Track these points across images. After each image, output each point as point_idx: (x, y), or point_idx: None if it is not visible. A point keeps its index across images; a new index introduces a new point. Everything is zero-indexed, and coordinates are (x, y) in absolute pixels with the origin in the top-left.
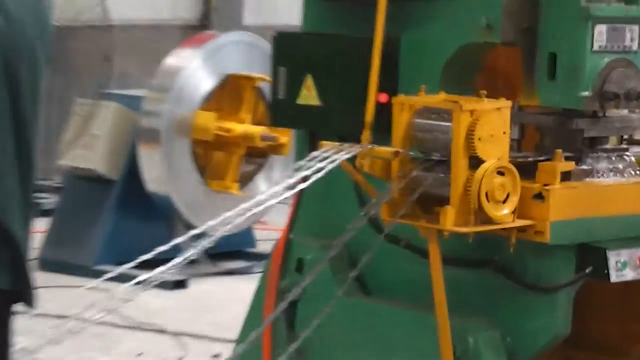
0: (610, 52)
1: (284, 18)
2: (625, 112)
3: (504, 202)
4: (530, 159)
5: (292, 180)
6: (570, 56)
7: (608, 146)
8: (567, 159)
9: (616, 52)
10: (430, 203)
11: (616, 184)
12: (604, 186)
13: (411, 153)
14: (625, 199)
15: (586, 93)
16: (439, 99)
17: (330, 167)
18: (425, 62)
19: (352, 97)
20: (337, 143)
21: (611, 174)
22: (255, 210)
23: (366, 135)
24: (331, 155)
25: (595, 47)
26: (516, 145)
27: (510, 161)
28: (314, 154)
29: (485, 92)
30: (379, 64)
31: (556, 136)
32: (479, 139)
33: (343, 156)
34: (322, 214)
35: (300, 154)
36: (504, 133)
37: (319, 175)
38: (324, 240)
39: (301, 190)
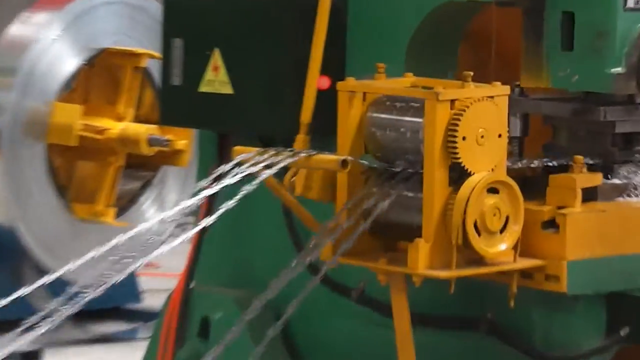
0: None
1: None
2: None
3: (501, 232)
4: (537, 168)
5: (192, 204)
6: (593, 17)
7: None
8: (590, 167)
9: None
10: (394, 235)
11: None
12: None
13: (365, 162)
14: None
15: (617, 70)
16: (405, 83)
17: (248, 185)
18: (385, 30)
19: (279, 82)
20: (257, 149)
21: None
22: (140, 248)
23: (301, 138)
24: (249, 168)
25: (630, 3)
26: (517, 147)
27: (509, 172)
28: (225, 166)
29: (471, 73)
30: (324, 34)
31: (574, 133)
32: (464, 140)
33: (266, 169)
34: (236, 253)
35: (205, 165)
36: (500, 132)
37: (232, 200)
38: (239, 292)
39: (206, 215)
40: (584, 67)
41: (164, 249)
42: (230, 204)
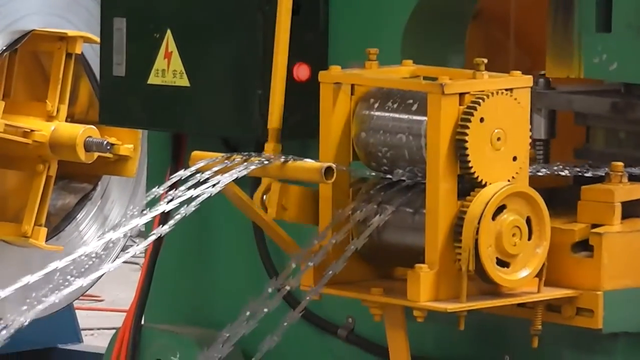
0: None
1: None
2: None
3: (522, 257)
4: (567, 177)
5: (142, 222)
6: None
7: None
8: (632, 177)
9: None
10: (391, 260)
11: None
12: None
13: (354, 171)
14: None
15: None
16: (403, 73)
17: (205, 195)
18: (377, 6)
19: (245, 72)
20: (221, 154)
21: None
22: (78, 276)
23: (273, 140)
24: (210, 177)
25: None
26: (542, 151)
27: (532, 183)
28: (180, 174)
29: (484, 59)
30: (290, 9)
31: (613, 134)
32: (476, 143)
33: (229, 178)
34: (195, 283)
35: (156, 175)
36: (521, 134)
37: (187, 210)
38: (199, 330)
39: (158, 242)
40: (625, 53)
41: (108, 267)
42: (186, 211)
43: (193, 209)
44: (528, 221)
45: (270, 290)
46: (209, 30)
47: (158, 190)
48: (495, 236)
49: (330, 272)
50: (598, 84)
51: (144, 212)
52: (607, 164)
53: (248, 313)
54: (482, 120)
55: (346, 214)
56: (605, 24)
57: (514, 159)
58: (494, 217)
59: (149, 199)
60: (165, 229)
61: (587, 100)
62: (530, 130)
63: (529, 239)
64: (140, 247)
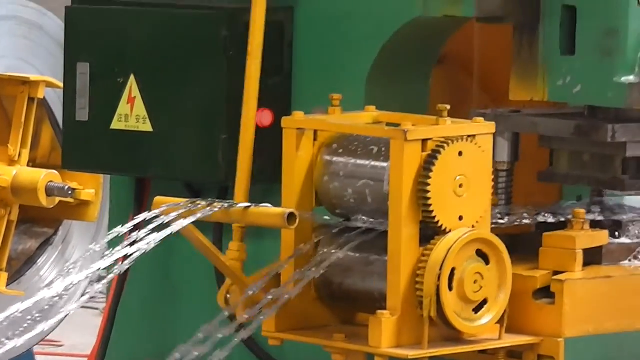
0: None
1: None
2: None
3: (484, 303)
4: (528, 222)
5: (104, 266)
6: (601, 12)
7: None
8: (594, 224)
9: None
10: (353, 305)
11: None
12: None
13: (319, 216)
14: None
15: (629, 78)
16: (366, 118)
17: (165, 234)
18: (341, 52)
19: (209, 117)
20: (184, 200)
21: None
22: (39, 322)
23: (243, 186)
24: (173, 221)
25: None
26: (505, 180)
27: (494, 229)
28: (144, 215)
29: (447, 106)
30: (260, 55)
31: (576, 157)
32: (438, 189)
33: (190, 220)
34: (158, 327)
35: (119, 220)
36: (483, 180)
37: (147, 247)
38: None
39: (120, 286)
40: (589, 75)
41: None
42: (147, 248)
43: (152, 246)
44: (490, 267)
45: (229, 335)
46: (172, 75)
47: (121, 230)
48: (457, 282)
49: (270, 297)
50: (562, 107)
51: (106, 254)
52: (569, 211)
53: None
54: (444, 166)
55: (310, 258)
56: (570, 47)
57: (476, 205)
58: (456, 264)
59: (110, 238)
60: (125, 264)
61: (551, 122)
62: (494, 156)
63: (491, 285)
64: (99, 285)
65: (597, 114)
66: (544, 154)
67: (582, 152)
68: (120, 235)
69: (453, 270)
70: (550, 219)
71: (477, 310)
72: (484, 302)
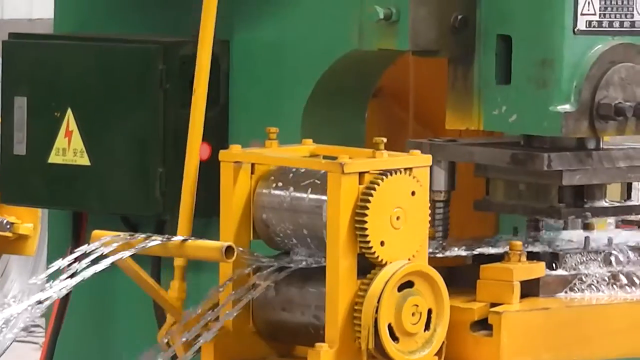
0: (607, 32)
1: (36, 8)
2: (635, 141)
3: (421, 335)
4: (465, 254)
5: (44, 296)
6: (536, 42)
7: (606, 203)
8: (531, 256)
9: (618, 33)
10: (291, 338)
11: (617, 304)
12: (595, 308)
13: (255, 254)
14: (629, 326)
15: (565, 107)
16: (303, 151)
17: (102, 266)
18: (277, 85)
19: (146, 149)
20: (121, 234)
21: (605, 283)
22: None
23: (185, 220)
24: (111, 254)
25: (581, 25)
26: (442, 211)
27: (431, 261)
28: (83, 248)
29: (383, 139)
30: (205, 90)
31: (512, 186)
32: (375, 223)
33: (128, 253)
34: (97, 357)
35: (57, 253)
36: (420, 213)
37: (80, 277)
38: None
39: (59, 321)
40: (524, 105)
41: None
42: (83, 276)
43: (91, 274)
44: (427, 299)
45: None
46: (109, 108)
47: (62, 263)
48: (395, 315)
49: (201, 340)
50: (499, 136)
51: (46, 286)
52: (505, 243)
53: None
54: (381, 199)
55: (245, 292)
56: (505, 77)
57: (414, 237)
58: (393, 296)
59: (50, 271)
60: (63, 291)
61: (487, 151)
62: (431, 187)
63: (428, 318)
64: (39, 310)
65: (532, 143)
66: (479, 183)
67: (518, 181)
68: (60, 268)
69: (390, 302)
70: (488, 251)
71: (415, 342)
72: (422, 334)
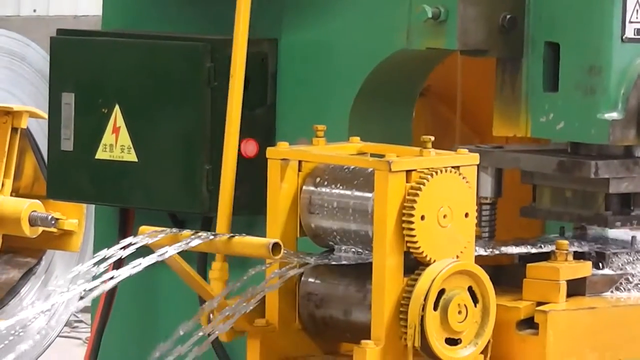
0: None
1: (81, 5)
2: None
3: (467, 334)
4: (513, 253)
5: (89, 286)
6: (584, 49)
7: None
8: (577, 256)
9: None
10: (337, 335)
11: None
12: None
13: (301, 254)
14: None
15: (613, 115)
16: (350, 149)
17: (149, 262)
18: (325, 83)
19: (192, 148)
20: (167, 229)
21: None
22: (22, 349)
23: (225, 217)
24: (158, 251)
25: (629, 33)
26: (489, 213)
27: (477, 260)
28: (129, 240)
29: (431, 137)
30: (241, 88)
31: (559, 193)
32: (422, 220)
33: (175, 250)
34: (145, 357)
35: (103, 249)
36: (467, 211)
37: (129, 272)
38: None
39: (105, 315)
40: (572, 112)
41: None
42: (130, 272)
43: (138, 270)
44: (474, 298)
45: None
46: (157, 105)
47: (107, 252)
48: (441, 313)
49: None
50: (545, 143)
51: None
52: (552, 242)
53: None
54: (428, 197)
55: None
56: (553, 84)
57: (460, 236)
58: (440, 295)
59: (95, 260)
60: (109, 284)
61: (534, 159)
62: (478, 193)
63: (474, 317)
64: (87, 299)
65: (579, 150)
66: (526, 190)
67: (565, 188)
68: (106, 257)
69: (438, 300)
70: (534, 250)
71: (462, 339)
72: (469, 332)
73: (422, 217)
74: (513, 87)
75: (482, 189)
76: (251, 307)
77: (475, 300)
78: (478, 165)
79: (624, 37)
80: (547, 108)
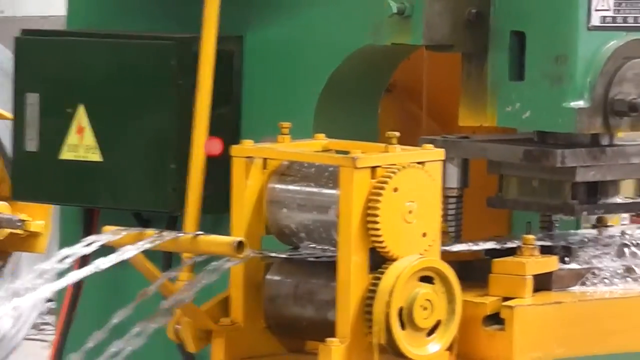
0: (621, 28)
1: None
2: None
3: (433, 330)
4: (478, 249)
5: (54, 287)
6: (550, 37)
7: (619, 199)
8: (544, 250)
9: (633, 29)
10: (301, 333)
11: (631, 298)
12: (608, 302)
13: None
14: None
15: (579, 103)
16: (315, 146)
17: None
18: (290, 80)
19: (157, 147)
20: (132, 229)
21: (619, 277)
22: None
23: (193, 216)
24: (120, 244)
25: (596, 21)
26: (455, 207)
27: (444, 256)
28: (92, 238)
29: (396, 133)
30: (210, 86)
31: (526, 183)
32: (387, 217)
33: (139, 249)
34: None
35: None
36: (433, 207)
37: (87, 271)
38: None
39: (69, 317)
40: (538, 101)
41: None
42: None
43: (104, 267)
44: (440, 294)
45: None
46: (122, 105)
47: (70, 251)
48: (406, 309)
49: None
50: (512, 132)
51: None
52: (518, 237)
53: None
54: (394, 193)
55: (256, 288)
56: (519, 73)
57: (426, 232)
58: (405, 291)
59: (59, 257)
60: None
61: (500, 148)
62: (444, 184)
63: (440, 312)
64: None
65: (546, 139)
66: (493, 180)
67: (532, 177)
68: (68, 256)
69: (403, 296)
70: (500, 246)
71: (427, 336)
72: (434, 329)
73: (387, 214)
74: (479, 77)
75: (448, 180)
76: (188, 299)
77: (440, 296)
78: (444, 156)
79: (589, 25)
80: (514, 97)
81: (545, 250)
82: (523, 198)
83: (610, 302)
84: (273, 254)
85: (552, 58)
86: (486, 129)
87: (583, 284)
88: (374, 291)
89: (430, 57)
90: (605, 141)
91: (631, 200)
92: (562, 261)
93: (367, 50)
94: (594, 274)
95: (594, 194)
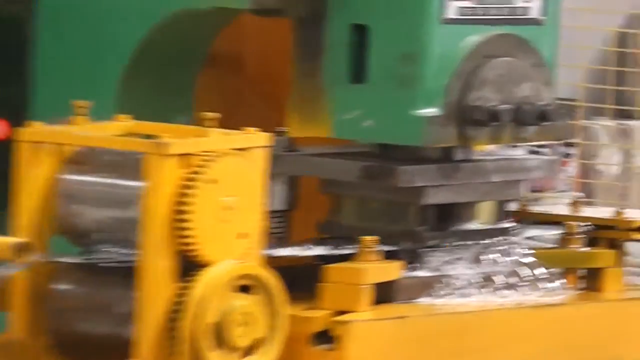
0: (482, 21)
1: None
2: (515, 150)
3: (252, 349)
4: (309, 253)
5: None
6: (396, 32)
7: (476, 225)
8: (391, 255)
9: (496, 22)
10: (92, 354)
11: (488, 312)
12: (461, 317)
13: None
14: (502, 339)
15: (430, 111)
16: (116, 129)
17: None
18: (88, 52)
19: None
20: None
21: (476, 287)
22: None
23: None
24: None
25: (451, 13)
26: (283, 224)
27: (267, 260)
28: None
29: (215, 114)
30: None
31: (364, 205)
32: (200, 215)
33: None
34: None
35: None
36: (255, 202)
37: None
38: None
39: None
40: (381, 108)
41: None
42: None
43: None
44: (260, 307)
45: None
46: None
47: None
48: (220, 325)
49: None
50: (351, 145)
51: None
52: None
53: None
54: (209, 185)
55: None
56: (359, 74)
57: (246, 233)
58: (219, 303)
59: None
60: None
61: (334, 163)
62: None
63: (261, 329)
64: None
65: (390, 153)
66: (326, 201)
67: (371, 199)
68: None
69: (215, 310)
70: (335, 251)
71: (244, 356)
72: (253, 348)
73: (201, 211)
74: (313, 78)
75: (272, 202)
76: None
77: (261, 309)
78: (270, 172)
79: (444, 18)
80: (353, 104)
81: (388, 255)
82: (361, 224)
83: (464, 317)
84: (62, 259)
85: (398, 56)
86: (320, 140)
87: (433, 294)
88: (180, 303)
89: (256, 24)
90: (460, 156)
91: (490, 227)
92: (408, 268)
93: (182, 15)
94: (446, 282)
95: (446, 218)
